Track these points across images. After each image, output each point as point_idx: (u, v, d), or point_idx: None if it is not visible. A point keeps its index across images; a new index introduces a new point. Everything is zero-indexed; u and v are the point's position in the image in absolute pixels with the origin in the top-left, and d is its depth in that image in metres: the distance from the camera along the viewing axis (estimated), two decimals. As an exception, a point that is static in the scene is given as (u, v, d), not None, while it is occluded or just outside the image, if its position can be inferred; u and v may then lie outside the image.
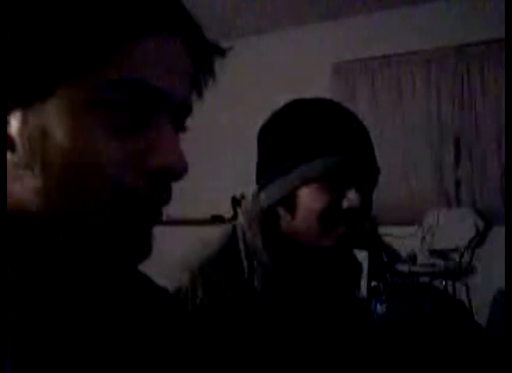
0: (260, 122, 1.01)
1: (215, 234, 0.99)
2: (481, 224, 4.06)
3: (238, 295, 0.89)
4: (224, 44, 0.50)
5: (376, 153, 0.96)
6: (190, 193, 3.83)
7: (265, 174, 0.95)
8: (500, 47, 3.92)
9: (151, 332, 0.54)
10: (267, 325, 0.88)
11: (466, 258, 4.08)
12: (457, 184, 4.30)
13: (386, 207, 4.07)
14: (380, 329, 1.00)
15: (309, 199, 0.91)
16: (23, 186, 0.41)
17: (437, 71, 4.38)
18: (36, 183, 0.41)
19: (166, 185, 0.46)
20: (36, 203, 0.41)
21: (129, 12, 0.42)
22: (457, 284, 3.96)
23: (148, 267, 0.55)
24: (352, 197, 0.90)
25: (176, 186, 0.48)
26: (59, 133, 0.40)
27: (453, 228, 4.04)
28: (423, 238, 4.13)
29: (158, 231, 0.48)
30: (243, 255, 0.93)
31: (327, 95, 1.05)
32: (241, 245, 0.94)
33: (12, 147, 0.41)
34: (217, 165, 4.91)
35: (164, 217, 0.48)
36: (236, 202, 4.19)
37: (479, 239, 4.11)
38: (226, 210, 4.43)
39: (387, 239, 3.97)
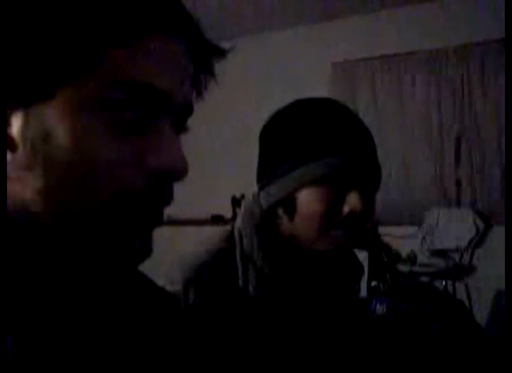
0: (260, 122, 1.00)
1: (213, 235, 0.99)
2: (481, 224, 4.06)
3: (231, 299, 0.88)
4: (224, 45, 0.50)
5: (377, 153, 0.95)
6: (190, 193, 3.84)
7: (266, 175, 0.95)
8: (500, 46, 3.92)
9: (150, 332, 0.54)
10: (260, 329, 0.87)
11: (466, 258, 4.08)
12: (458, 184, 4.30)
13: (386, 207, 4.07)
14: (381, 330, 1.00)
15: (309, 201, 0.89)
16: (25, 187, 0.41)
17: (437, 71, 4.38)
18: (37, 183, 0.41)
19: (168, 186, 0.46)
20: (37, 204, 0.41)
21: (130, 12, 0.42)
22: (457, 284, 3.96)
23: (147, 267, 0.55)
24: (353, 201, 0.89)
25: (176, 186, 0.48)
26: (60, 134, 0.40)
27: (453, 228, 4.04)
28: (423, 238, 4.13)
29: (158, 231, 0.48)
30: (237, 257, 0.92)
31: (327, 95, 1.05)
32: (237, 247, 0.93)
33: (14, 148, 0.41)
34: (217, 165, 4.91)
35: (164, 218, 0.48)
36: (236, 202, 4.19)
37: (479, 239, 4.11)
38: (227, 211, 4.43)
39: (387, 239, 3.97)
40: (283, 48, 4.81)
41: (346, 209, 0.89)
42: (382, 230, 4.01)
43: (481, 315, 3.72)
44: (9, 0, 0.40)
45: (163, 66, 0.44)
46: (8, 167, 0.41)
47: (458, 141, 4.28)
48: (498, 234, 4.07)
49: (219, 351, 0.76)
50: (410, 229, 4.17)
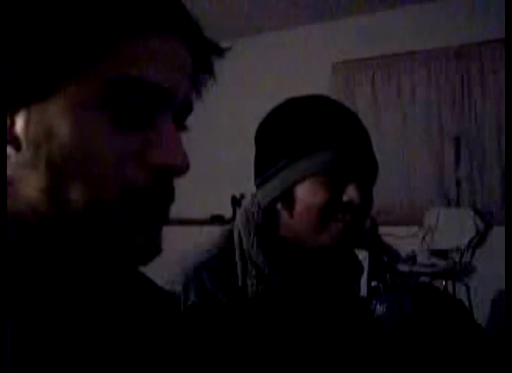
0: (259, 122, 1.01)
1: (213, 235, 0.99)
2: (481, 224, 4.06)
3: (230, 299, 0.88)
4: (224, 44, 0.50)
5: (376, 153, 0.96)
6: (190, 192, 3.83)
7: (263, 172, 0.95)
8: (500, 47, 3.92)
9: (149, 332, 0.53)
10: (259, 328, 0.87)
11: (466, 258, 4.08)
12: (458, 184, 4.30)
13: (386, 207, 4.07)
14: (381, 330, 1.00)
15: (308, 194, 0.90)
16: (28, 186, 0.41)
17: (437, 71, 4.38)
18: (41, 182, 0.41)
19: (169, 182, 0.46)
20: (41, 203, 0.41)
21: (130, 10, 0.42)
22: (457, 284, 3.96)
23: (148, 267, 0.55)
24: (351, 192, 0.89)
25: (176, 186, 0.48)
26: (63, 131, 0.40)
27: (453, 228, 4.04)
28: (423, 238, 4.13)
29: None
30: (237, 256, 0.92)
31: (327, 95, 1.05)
32: (236, 248, 0.93)
33: (17, 146, 0.41)
34: (217, 164, 4.91)
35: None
36: (236, 202, 4.19)
37: (479, 239, 4.11)
38: (227, 211, 4.43)
39: (387, 239, 3.97)
40: (283, 48, 4.80)
41: (345, 199, 0.89)
42: (382, 230, 4.02)
43: (481, 315, 3.72)
44: None
45: (163, 64, 0.44)
46: (12, 166, 0.41)
47: (458, 140, 4.28)
48: (498, 234, 4.07)
49: (219, 351, 0.76)
50: (410, 229, 4.17)
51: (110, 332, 0.48)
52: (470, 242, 4.05)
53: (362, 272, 1.05)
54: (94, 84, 0.41)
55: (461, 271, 3.98)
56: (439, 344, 1.03)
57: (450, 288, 3.86)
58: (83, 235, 0.43)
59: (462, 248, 4.03)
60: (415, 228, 4.18)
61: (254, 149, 1.00)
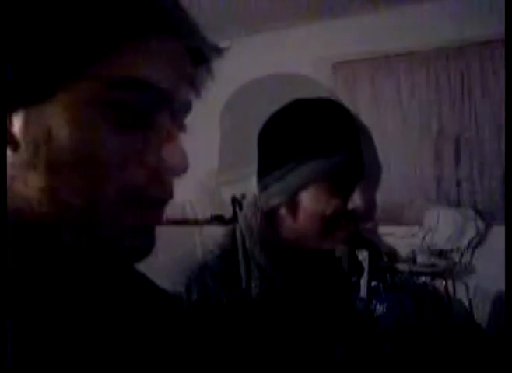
0: (258, 122, 1.00)
1: (216, 235, 0.99)
2: (481, 224, 4.06)
3: (234, 300, 0.88)
4: (223, 44, 0.50)
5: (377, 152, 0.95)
6: (190, 193, 3.84)
7: (267, 175, 0.94)
8: (500, 46, 3.92)
9: (149, 332, 0.54)
10: (263, 330, 0.87)
11: (466, 258, 4.09)
12: (458, 184, 4.30)
13: (386, 207, 4.07)
14: (381, 330, 1.00)
15: (312, 200, 0.89)
16: (27, 186, 0.41)
17: (437, 71, 4.39)
18: (40, 182, 0.41)
19: (168, 183, 0.46)
20: (40, 203, 0.41)
21: (129, 11, 0.42)
22: (457, 284, 3.96)
23: (147, 267, 0.55)
24: (357, 199, 0.89)
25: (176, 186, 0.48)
26: (62, 132, 0.40)
27: (453, 228, 4.04)
28: (423, 238, 4.13)
29: (157, 231, 0.48)
30: (240, 258, 0.92)
31: (327, 95, 1.05)
32: (239, 248, 0.93)
33: (16, 147, 0.41)
34: (216, 164, 4.91)
35: (164, 217, 0.48)
36: (236, 202, 4.19)
37: (479, 239, 4.11)
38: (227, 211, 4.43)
39: (387, 239, 3.97)
40: (283, 48, 4.80)
41: (350, 207, 0.89)
42: (382, 230, 4.02)
43: (481, 314, 3.72)
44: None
45: (162, 64, 0.44)
46: (11, 166, 0.41)
47: (458, 140, 4.28)
48: (498, 234, 4.07)
49: (221, 351, 0.76)
50: (410, 229, 4.17)
51: (110, 332, 0.48)
52: (470, 242, 4.05)
53: (363, 272, 1.05)
54: (94, 84, 0.41)
55: (461, 271, 3.99)
56: (439, 344, 1.03)
57: (450, 288, 3.87)
58: (81, 235, 0.43)
59: (462, 248, 4.04)
60: (415, 228, 4.19)
61: (253, 149, 1.00)
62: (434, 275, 3.81)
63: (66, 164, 0.41)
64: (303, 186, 0.89)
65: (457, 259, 4.02)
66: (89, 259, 0.45)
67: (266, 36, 4.91)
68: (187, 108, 0.49)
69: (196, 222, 4.70)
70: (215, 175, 4.81)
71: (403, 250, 4.02)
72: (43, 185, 0.41)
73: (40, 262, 0.44)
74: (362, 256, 1.03)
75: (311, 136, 0.90)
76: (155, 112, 0.44)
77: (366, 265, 1.03)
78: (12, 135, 0.41)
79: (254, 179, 0.93)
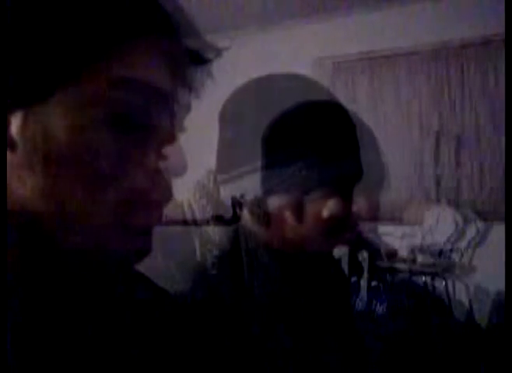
0: (257, 121, 0.99)
1: (214, 236, 0.99)
2: (481, 224, 4.07)
3: (238, 298, 0.88)
4: (222, 44, 0.50)
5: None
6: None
7: (272, 177, 0.94)
8: (499, 46, 3.93)
9: (149, 332, 0.54)
10: (266, 329, 0.88)
11: (466, 258, 4.09)
12: (458, 184, 4.31)
13: (386, 207, 4.08)
14: (380, 329, 1.00)
15: (319, 205, 0.89)
16: (24, 187, 0.41)
17: (437, 71, 4.40)
18: (38, 183, 0.41)
19: (168, 184, 0.46)
20: (37, 204, 0.41)
21: (127, 12, 0.42)
22: (457, 284, 3.97)
23: (147, 268, 0.55)
24: (361, 203, 0.90)
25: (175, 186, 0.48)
26: (60, 132, 0.40)
27: (453, 227, 4.05)
28: (423, 238, 4.14)
29: (157, 231, 0.48)
30: (243, 258, 0.92)
31: (327, 95, 1.05)
32: (242, 249, 0.93)
33: (13, 147, 0.41)
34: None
35: (164, 217, 0.48)
36: (236, 202, 4.18)
37: (479, 239, 4.12)
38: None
39: (387, 239, 3.98)
40: (282, 46, 4.80)
41: (326, 213, 0.89)
42: (382, 229, 4.02)
43: (480, 314, 3.73)
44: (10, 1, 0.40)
45: (161, 66, 0.44)
46: (9, 166, 0.41)
47: (457, 140, 4.29)
48: (498, 233, 4.08)
49: (221, 351, 0.77)
50: (410, 229, 4.18)
51: (110, 332, 0.48)
52: (470, 241, 4.06)
53: (363, 273, 1.06)
54: (93, 85, 0.41)
55: (461, 271, 4.00)
56: (439, 343, 1.03)
57: (450, 288, 3.87)
58: (79, 236, 0.43)
59: (462, 247, 4.04)
60: (415, 228, 4.19)
61: (252, 149, 0.99)
62: (434, 275, 3.82)
63: (64, 165, 0.41)
64: (306, 190, 0.89)
65: (457, 259, 4.03)
66: (87, 260, 0.45)
67: (266, 35, 4.91)
68: (186, 109, 0.49)
69: (195, 222, 4.70)
70: (214, 174, 4.81)
71: (403, 250, 4.03)
72: (40, 186, 0.41)
73: (38, 262, 0.44)
74: (362, 256, 1.03)
75: (316, 140, 0.90)
76: (154, 113, 0.44)
77: (366, 265, 1.03)
78: (9, 135, 0.41)
79: (255, 180, 0.93)
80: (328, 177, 0.88)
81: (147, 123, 0.44)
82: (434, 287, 3.87)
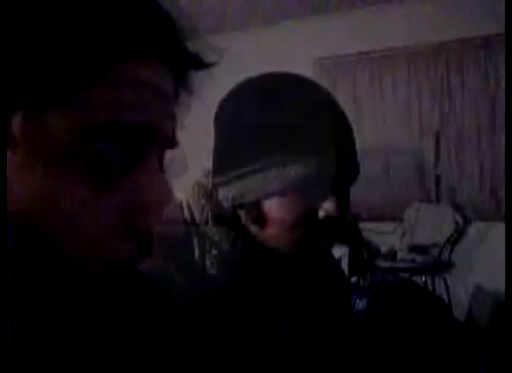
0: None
1: (213, 236, 0.97)
2: (460, 220, 4.10)
3: (237, 298, 0.86)
4: (221, 44, 0.50)
5: (358, 149, 0.90)
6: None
7: (223, 169, 0.90)
8: (499, 46, 3.91)
9: (149, 331, 0.54)
10: (266, 329, 0.86)
11: (445, 254, 4.13)
12: (437, 181, 4.33)
13: (366, 203, 4.09)
14: (361, 325, 1.01)
15: (279, 209, 0.83)
16: (24, 187, 0.41)
17: (418, 69, 4.41)
18: (38, 183, 0.41)
19: (168, 186, 0.46)
20: (37, 205, 0.41)
21: (133, 22, 0.41)
22: (436, 280, 3.99)
23: (146, 267, 0.55)
24: (329, 206, 0.83)
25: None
26: (61, 133, 0.40)
27: (432, 224, 4.07)
28: (403, 234, 4.16)
29: (157, 231, 0.48)
30: (242, 258, 0.90)
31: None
32: (241, 248, 0.90)
33: (14, 147, 0.41)
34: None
35: (164, 217, 0.48)
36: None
37: (458, 235, 4.15)
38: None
39: (367, 235, 3.99)
40: (266, 44, 4.78)
41: (322, 214, 0.83)
42: (363, 226, 4.02)
43: (459, 309, 3.77)
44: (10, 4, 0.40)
45: (163, 68, 0.44)
46: (9, 167, 0.41)
47: (438, 138, 4.30)
48: (477, 230, 4.12)
49: (222, 351, 0.76)
50: (390, 225, 4.20)
51: (111, 332, 0.49)
52: (449, 238, 4.09)
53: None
54: (95, 87, 0.40)
55: (441, 267, 4.03)
56: (418, 339, 1.05)
57: (429, 284, 3.90)
58: (80, 237, 0.43)
59: (441, 244, 4.07)
60: (395, 224, 4.21)
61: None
62: (414, 271, 3.84)
63: (65, 166, 0.41)
64: (303, 190, 0.82)
65: (436, 255, 4.06)
66: (87, 260, 0.45)
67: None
68: (186, 109, 0.49)
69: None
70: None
71: (383, 246, 4.04)
72: (40, 186, 0.41)
73: (38, 262, 0.43)
74: (342, 252, 1.03)
75: (288, 132, 0.84)
76: (156, 115, 0.44)
77: (345, 261, 1.03)
78: (11, 135, 0.40)
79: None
80: (325, 177, 0.83)
81: (148, 125, 0.44)
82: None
